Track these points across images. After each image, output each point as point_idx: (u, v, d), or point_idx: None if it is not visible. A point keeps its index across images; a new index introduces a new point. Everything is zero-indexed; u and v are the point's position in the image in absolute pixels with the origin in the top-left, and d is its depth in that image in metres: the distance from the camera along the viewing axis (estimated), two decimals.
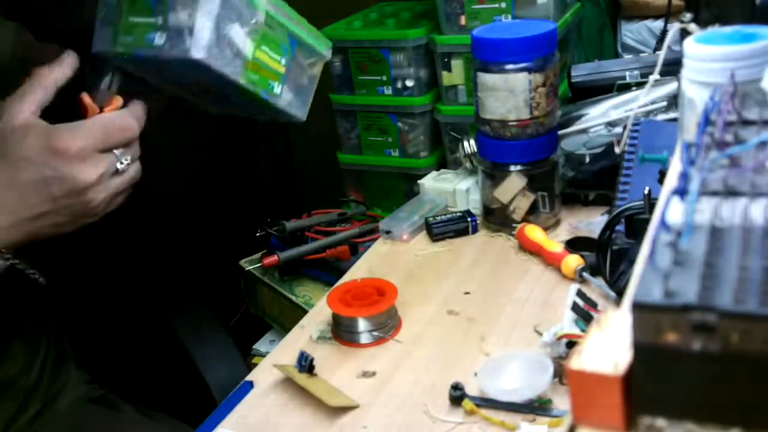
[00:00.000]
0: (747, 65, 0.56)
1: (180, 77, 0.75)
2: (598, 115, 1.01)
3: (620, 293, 0.79)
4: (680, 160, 0.38)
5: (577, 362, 0.32)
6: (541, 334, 0.75)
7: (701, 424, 0.30)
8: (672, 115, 0.96)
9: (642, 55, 1.13)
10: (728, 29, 0.60)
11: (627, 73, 1.07)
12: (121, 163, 0.69)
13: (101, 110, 0.71)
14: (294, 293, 1.09)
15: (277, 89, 0.73)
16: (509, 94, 0.93)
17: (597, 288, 0.83)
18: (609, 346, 0.32)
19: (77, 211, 0.68)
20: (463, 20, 1.13)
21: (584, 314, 0.72)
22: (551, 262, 0.90)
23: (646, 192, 0.76)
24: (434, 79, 1.19)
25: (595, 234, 0.84)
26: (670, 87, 0.97)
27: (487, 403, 0.69)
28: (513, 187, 0.98)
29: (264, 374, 0.78)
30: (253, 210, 1.53)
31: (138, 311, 1.18)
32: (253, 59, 0.70)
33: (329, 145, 1.31)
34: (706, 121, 0.41)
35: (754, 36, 0.57)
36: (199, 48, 0.66)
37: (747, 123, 0.42)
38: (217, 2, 0.66)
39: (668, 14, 1.15)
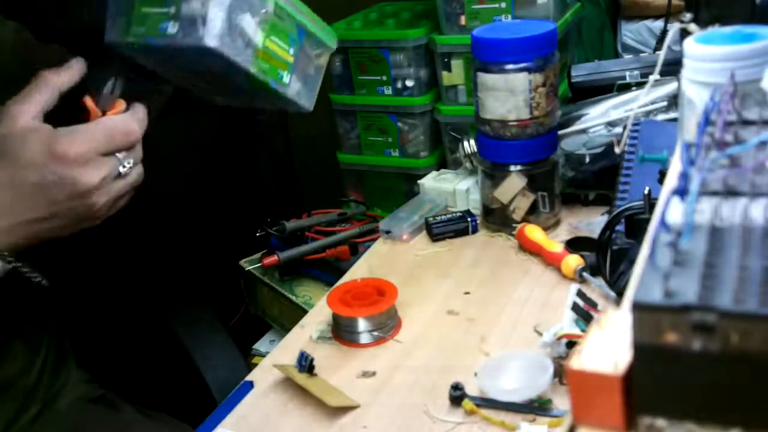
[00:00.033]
0: (747, 65, 0.56)
1: (190, 67, 0.75)
2: (598, 115, 1.01)
3: (620, 293, 0.79)
4: (680, 160, 0.38)
5: (577, 362, 0.32)
6: (541, 334, 0.75)
7: (701, 424, 0.30)
8: (672, 115, 0.96)
9: (642, 55, 1.13)
10: (728, 29, 0.60)
11: (627, 73, 1.07)
12: (124, 166, 0.69)
13: (104, 114, 0.71)
14: (294, 293, 1.09)
15: (286, 78, 0.75)
16: (509, 94, 0.93)
17: (597, 288, 0.83)
18: (609, 346, 0.32)
19: (79, 215, 0.68)
20: (463, 20, 1.13)
21: (584, 314, 0.72)
22: (551, 262, 0.90)
23: (646, 192, 0.76)
24: (434, 79, 1.19)
25: (595, 234, 0.84)
26: (670, 87, 0.97)
27: (487, 403, 0.69)
28: (513, 187, 0.98)
29: (264, 374, 0.78)
30: (253, 210, 1.53)
31: (138, 311, 1.18)
32: (263, 48, 0.71)
33: (329, 145, 1.31)
34: (706, 121, 0.41)
35: (754, 36, 0.57)
36: (212, 36, 0.67)
37: (747, 123, 0.42)
38: None
39: (668, 14, 1.15)
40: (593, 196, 1.03)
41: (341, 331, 0.83)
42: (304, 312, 0.95)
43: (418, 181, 1.15)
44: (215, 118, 1.62)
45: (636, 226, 0.79)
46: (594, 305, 0.74)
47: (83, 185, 0.66)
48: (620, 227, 0.81)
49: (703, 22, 0.74)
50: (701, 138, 0.39)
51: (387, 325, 0.82)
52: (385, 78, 1.19)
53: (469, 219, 1.02)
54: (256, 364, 0.84)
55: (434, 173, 1.15)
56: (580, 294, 0.74)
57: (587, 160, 1.00)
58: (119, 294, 1.26)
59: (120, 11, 0.74)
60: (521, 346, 0.77)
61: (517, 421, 0.66)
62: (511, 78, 0.93)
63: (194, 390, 1.00)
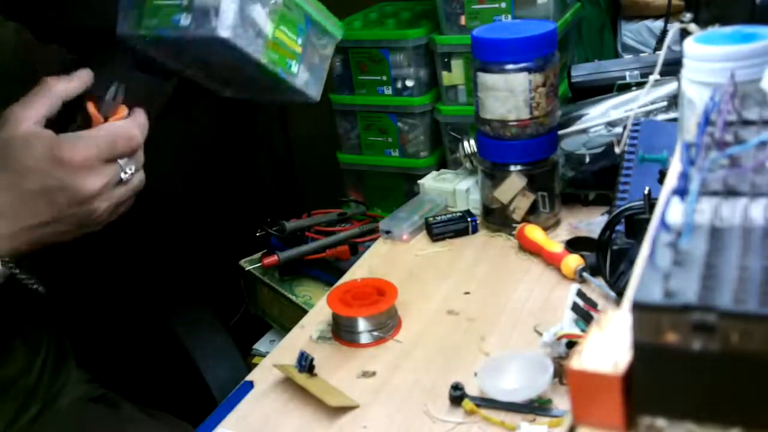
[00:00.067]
0: (747, 65, 0.56)
1: (200, 59, 0.76)
2: (598, 115, 1.01)
3: (620, 293, 0.79)
4: (680, 160, 0.38)
5: (577, 362, 0.32)
6: (541, 334, 0.75)
7: (701, 424, 0.30)
8: (672, 115, 0.96)
9: (642, 55, 1.13)
10: (728, 29, 0.60)
11: (627, 73, 1.07)
12: (125, 172, 0.69)
13: (106, 120, 0.71)
14: (294, 293, 1.09)
15: (295, 68, 0.76)
16: (509, 94, 0.93)
17: (597, 288, 0.83)
18: (609, 346, 0.32)
19: (80, 220, 0.68)
20: (463, 20, 1.13)
21: (584, 314, 0.72)
22: (551, 262, 0.90)
23: (646, 192, 0.76)
24: (434, 79, 1.19)
25: (595, 234, 0.84)
26: (670, 87, 0.97)
27: (487, 403, 0.69)
28: (513, 187, 0.98)
29: (264, 374, 0.78)
30: (253, 210, 1.53)
31: (138, 311, 1.18)
32: (273, 39, 0.72)
33: (329, 145, 1.31)
34: (706, 121, 0.41)
35: (754, 36, 0.57)
36: (225, 27, 0.68)
37: (747, 123, 0.42)
38: None
39: (668, 14, 1.15)
40: (593, 196, 1.03)
41: (341, 331, 0.83)
42: (304, 312, 0.95)
43: (418, 181, 1.15)
44: (215, 118, 1.62)
45: (636, 226, 0.79)
46: (594, 305, 0.74)
47: (85, 191, 0.66)
48: (620, 227, 0.81)
49: (703, 22, 0.74)
50: (701, 138, 0.39)
51: (387, 325, 0.82)
52: (385, 78, 1.19)
53: (469, 219, 1.02)
54: (256, 364, 0.84)
55: (434, 173, 1.15)
56: (580, 294, 0.74)
57: (587, 160, 1.00)
58: (119, 294, 1.26)
59: (131, 4, 0.75)
60: (521, 346, 0.77)
61: (517, 421, 0.66)
62: (511, 78, 0.93)
63: (194, 390, 1.00)
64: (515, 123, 0.95)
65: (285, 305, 1.10)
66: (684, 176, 0.36)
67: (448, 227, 1.02)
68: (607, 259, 0.81)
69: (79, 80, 0.71)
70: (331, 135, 1.30)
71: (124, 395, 1.01)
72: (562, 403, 0.68)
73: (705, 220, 0.34)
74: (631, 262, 0.76)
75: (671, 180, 0.41)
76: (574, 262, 0.86)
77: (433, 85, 1.20)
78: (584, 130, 1.01)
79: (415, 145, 1.23)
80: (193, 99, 1.47)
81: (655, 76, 0.81)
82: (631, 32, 1.42)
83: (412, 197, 1.13)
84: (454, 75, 1.16)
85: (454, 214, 1.04)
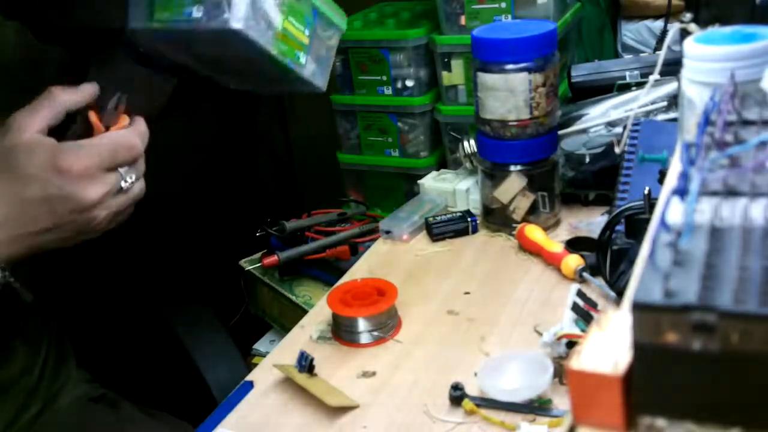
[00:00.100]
0: (747, 65, 0.56)
1: (210, 52, 0.77)
2: (598, 115, 1.01)
3: (620, 293, 0.79)
4: (680, 160, 0.38)
5: (577, 362, 0.32)
6: (541, 334, 0.75)
7: (701, 424, 0.30)
8: (672, 115, 0.96)
9: (642, 55, 1.13)
10: (728, 29, 0.60)
11: (627, 73, 1.07)
12: (126, 181, 0.70)
13: (107, 129, 0.71)
14: (294, 293, 1.09)
15: (303, 59, 0.77)
16: (509, 94, 0.93)
17: (597, 288, 0.83)
18: (609, 346, 0.32)
19: (79, 228, 0.68)
20: (463, 20, 1.13)
21: (584, 314, 0.72)
22: (551, 262, 0.90)
23: (646, 192, 0.76)
24: (434, 79, 1.19)
25: (595, 234, 0.84)
26: (670, 87, 0.97)
27: (487, 403, 0.69)
28: (513, 187, 0.98)
29: (264, 374, 0.78)
30: (253, 210, 1.53)
31: (138, 311, 1.18)
32: (282, 30, 0.73)
33: (329, 145, 1.31)
34: (706, 121, 0.41)
35: (754, 36, 0.57)
36: (237, 19, 0.69)
37: (747, 123, 0.42)
38: None
39: (668, 14, 1.15)
40: (593, 196, 1.03)
41: (341, 331, 0.83)
42: (304, 312, 0.95)
43: (418, 181, 1.15)
44: (215, 118, 1.62)
45: (636, 226, 0.79)
46: (594, 305, 0.74)
47: (85, 200, 0.66)
48: (620, 227, 0.81)
49: (703, 22, 0.74)
50: (701, 138, 0.39)
51: (387, 325, 0.82)
52: (385, 78, 1.19)
53: (469, 219, 1.02)
54: (256, 364, 0.84)
55: (434, 173, 1.15)
56: (580, 294, 0.74)
57: (587, 160, 1.00)
58: (119, 294, 1.26)
59: None
60: (521, 346, 0.77)
61: (517, 421, 0.66)
62: (511, 78, 0.93)
63: (194, 390, 1.00)
64: (515, 123, 0.95)
65: (285, 305, 1.10)
66: (684, 176, 0.36)
67: (448, 227, 1.02)
68: (607, 259, 0.81)
69: (84, 93, 0.72)
70: (331, 135, 1.30)
71: (124, 395, 1.01)
72: (562, 403, 0.68)
73: (705, 220, 0.34)
74: (631, 262, 0.76)
75: (671, 180, 0.41)
76: (574, 262, 0.86)
77: (433, 85, 1.20)
78: (584, 130, 1.01)
79: (415, 145, 1.23)
80: (194, 99, 1.47)
81: (655, 76, 0.81)
82: (631, 32, 1.42)
83: (412, 197, 1.13)
84: (454, 75, 1.16)
85: (454, 214, 1.04)
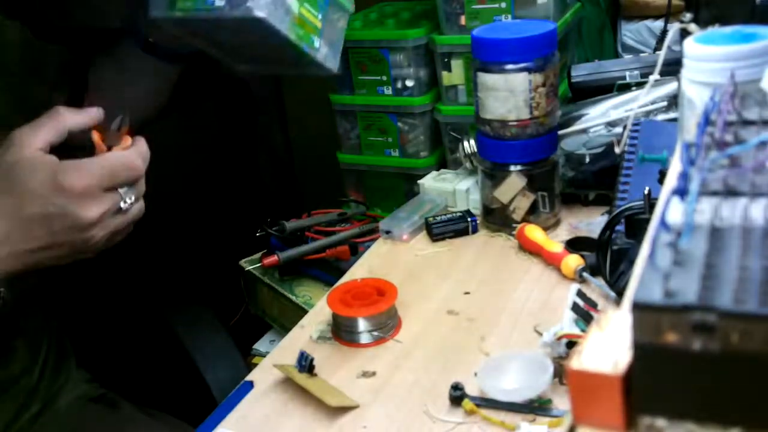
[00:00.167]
0: (747, 65, 0.56)
1: (228, 37, 0.80)
2: (598, 115, 1.01)
3: (620, 293, 0.79)
4: (680, 160, 0.38)
5: (577, 362, 0.32)
6: (541, 334, 0.75)
7: (701, 424, 0.30)
8: (672, 115, 0.96)
9: (642, 55, 1.13)
10: (728, 29, 0.60)
11: (627, 73, 1.07)
12: (125, 202, 0.70)
13: (109, 149, 0.71)
14: (294, 293, 1.09)
15: (317, 43, 0.79)
16: (509, 94, 0.93)
17: (597, 288, 0.83)
18: (609, 346, 0.32)
19: (76, 247, 0.69)
20: (463, 20, 1.13)
21: (584, 314, 0.72)
22: (551, 262, 0.90)
23: (646, 192, 0.76)
24: (434, 79, 1.19)
25: (595, 234, 0.84)
26: (670, 87, 0.97)
27: (487, 403, 0.69)
28: (513, 187, 0.98)
29: (264, 374, 0.78)
30: (253, 210, 1.53)
31: (138, 311, 1.18)
32: (299, 15, 0.76)
33: (329, 145, 1.31)
34: (706, 121, 0.41)
35: (754, 36, 0.57)
36: (260, 6, 0.71)
37: (747, 123, 0.42)
38: None
39: (668, 14, 1.15)
40: (593, 196, 1.03)
41: (341, 331, 0.83)
42: (304, 312, 0.95)
43: (418, 181, 1.14)
44: (215, 118, 1.62)
45: (636, 226, 0.79)
46: (594, 305, 0.74)
47: (84, 219, 0.67)
48: (620, 227, 0.81)
49: (703, 22, 0.74)
50: (701, 138, 0.39)
51: (387, 325, 0.82)
52: (385, 78, 1.19)
53: (469, 219, 1.02)
54: (256, 364, 0.84)
55: (434, 173, 1.15)
56: (580, 294, 0.74)
57: (587, 160, 1.00)
58: (119, 294, 1.26)
59: None
60: (521, 346, 0.77)
61: (517, 421, 0.66)
62: (511, 78, 0.93)
63: (194, 390, 1.00)
64: (515, 123, 0.95)
65: (285, 305, 1.10)
66: (684, 176, 0.36)
67: (448, 227, 1.02)
68: (607, 259, 0.81)
69: (89, 116, 0.72)
70: (331, 135, 1.30)
71: (124, 395, 1.01)
72: (562, 403, 0.68)
73: (705, 220, 0.34)
74: (631, 262, 0.76)
75: (671, 180, 0.41)
76: (574, 262, 0.86)
77: (433, 85, 1.20)
78: (584, 130, 1.01)
79: (415, 145, 1.23)
80: (194, 100, 1.47)
81: (655, 76, 0.81)
82: (631, 32, 1.42)
83: (412, 197, 1.13)
84: (454, 75, 1.16)
85: (454, 214, 1.04)
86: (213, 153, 1.61)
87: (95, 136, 0.71)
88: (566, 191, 1.02)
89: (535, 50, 0.92)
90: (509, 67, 0.92)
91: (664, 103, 0.97)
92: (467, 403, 0.68)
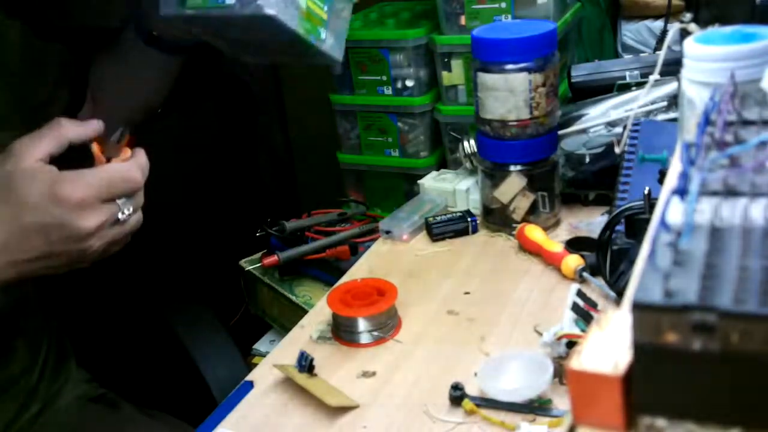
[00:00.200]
0: (747, 65, 0.56)
1: (236, 32, 0.81)
2: (598, 115, 1.01)
3: (620, 293, 0.79)
4: (680, 160, 0.38)
5: (577, 362, 0.32)
6: (541, 334, 0.75)
7: (701, 424, 0.30)
8: (672, 115, 0.96)
9: (642, 55, 1.13)
10: (728, 29, 0.60)
11: (627, 73, 1.07)
12: (123, 213, 0.70)
13: (108, 161, 0.72)
14: (294, 293, 1.09)
15: (323, 35, 0.81)
16: (509, 94, 0.93)
17: (597, 288, 0.83)
18: (609, 346, 0.32)
19: (72, 257, 0.69)
20: (463, 20, 1.13)
21: (584, 314, 0.72)
22: (551, 262, 0.90)
23: (646, 192, 0.76)
24: (434, 79, 1.19)
25: (595, 234, 0.84)
26: (670, 87, 0.97)
27: (487, 403, 0.69)
28: (513, 187, 0.98)
29: (264, 374, 0.78)
30: (253, 210, 1.53)
31: (138, 311, 1.18)
32: (306, 9, 0.77)
33: (329, 145, 1.31)
34: (706, 121, 0.41)
35: (754, 36, 0.57)
36: (270, 4, 0.73)
37: (747, 123, 0.42)
38: None
39: (668, 14, 1.15)
40: (593, 196, 1.03)
41: (341, 331, 0.83)
42: (304, 312, 0.95)
43: (418, 181, 1.14)
44: (215, 118, 1.62)
45: (636, 226, 0.79)
46: (594, 305, 0.74)
47: (81, 230, 0.66)
48: (620, 227, 0.81)
49: (703, 22, 0.74)
50: (701, 138, 0.39)
51: (387, 325, 0.82)
52: (385, 78, 1.19)
53: (469, 219, 1.02)
54: (256, 364, 0.84)
55: (434, 173, 1.15)
56: (580, 294, 0.74)
57: (587, 160, 1.00)
58: (119, 294, 1.26)
59: None
60: (521, 346, 0.77)
61: (517, 421, 0.66)
62: (511, 78, 0.93)
63: (194, 390, 1.00)
64: (515, 123, 0.95)
65: (285, 305, 1.10)
66: (684, 176, 0.36)
67: (448, 227, 1.02)
68: (607, 259, 0.81)
69: (90, 128, 0.72)
70: (331, 135, 1.30)
71: (124, 395, 1.01)
72: (562, 403, 0.68)
73: (705, 220, 0.34)
74: (631, 262, 0.76)
75: (671, 180, 0.41)
76: (574, 262, 0.86)
77: (433, 85, 1.20)
78: (584, 130, 1.01)
79: (415, 145, 1.23)
80: (194, 100, 1.47)
81: (655, 76, 0.81)
82: (631, 32, 1.42)
83: (412, 197, 1.13)
84: (454, 75, 1.16)
85: (454, 214, 1.04)
86: (213, 153, 1.61)
87: (95, 148, 0.72)
88: (566, 191, 1.02)
89: (535, 50, 0.92)
90: (509, 67, 0.92)
91: (664, 103, 0.97)
92: (467, 403, 0.68)
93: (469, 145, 1.07)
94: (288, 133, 1.84)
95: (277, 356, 0.82)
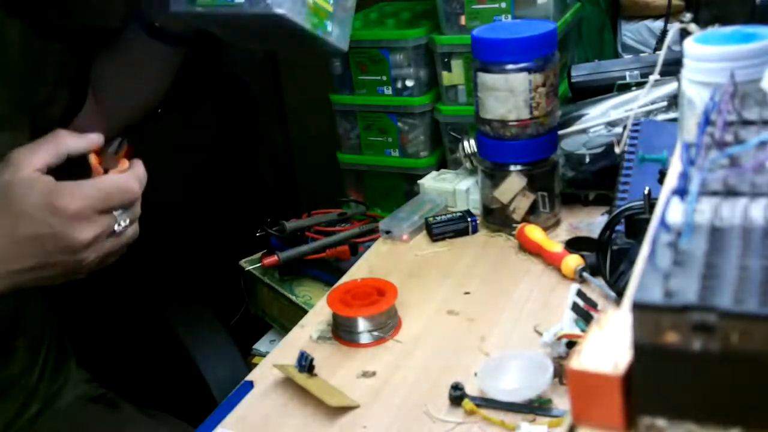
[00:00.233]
0: (747, 65, 0.56)
1: (244, 27, 0.83)
2: (598, 115, 1.01)
3: (620, 293, 0.79)
4: (680, 160, 0.38)
5: (577, 362, 0.32)
6: (541, 334, 0.75)
7: (701, 424, 0.30)
8: (672, 115, 0.96)
9: (642, 55, 1.13)
10: (728, 29, 0.60)
11: (627, 73, 1.07)
12: (119, 224, 0.70)
13: (106, 172, 0.72)
14: (294, 293, 1.09)
15: (329, 27, 0.83)
16: (509, 94, 0.93)
17: (597, 288, 0.83)
18: (609, 346, 0.32)
19: (67, 268, 0.69)
20: (463, 20, 1.13)
21: (584, 314, 0.72)
22: (551, 262, 0.90)
23: (646, 192, 0.76)
24: (434, 79, 1.19)
25: (595, 234, 0.84)
26: (670, 87, 0.97)
27: (487, 403, 0.69)
28: (513, 187, 0.98)
29: (264, 374, 0.78)
30: (253, 210, 1.53)
31: (138, 311, 1.18)
32: (313, 3, 0.79)
33: (329, 145, 1.31)
34: (706, 121, 0.41)
35: (754, 36, 0.57)
36: (279, 3, 0.75)
37: (747, 123, 0.42)
38: None
39: (668, 14, 1.15)
40: (593, 196, 1.03)
41: (341, 331, 0.83)
42: (304, 312, 0.95)
43: (418, 181, 1.14)
44: (215, 118, 1.62)
45: (636, 226, 0.79)
46: (594, 305, 0.74)
47: (77, 241, 0.67)
48: (620, 227, 0.81)
49: (703, 22, 0.74)
50: (701, 138, 0.39)
51: (387, 325, 0.82)
52: (385, 78, 1.19)
53: (469, 219, 1.02)
54: (256, 364, 0.84)
55: (434, 173, 1.15)
56: (580, 294, 0.74)
57: (587, 160, 1.00)
58: (119, 294, 1.26)
59: None
60: (521, 346, 0.77)
61: (517, 421, 0.66)
62: (511, 78, 0.93)
63: (194, 390, 1.00)
64: (515, 123, 0.95)
65: (285, 305, 1.10)
66: (684, 176, 0.36)
67: (448, 227, 1.02)
68: (607, 259, 0.81)
69: (89, 141, 0.72)
70: (331, 135, 1.30)
71: (124, 395, 1.01)
72: (562, 403, 0.68)
73: (705, 220, 0.34)
74: (631, 262, 0.76)
75: (671, 180, 0.41)
76: (574, 262, 0.86)
77: (433, 85, 1.20)
78: (584, 130, 1.01)
79: (415, 145, 1.23)
80: (194, 100, 1.47)
81: (655, 76, 0.81)
82: (631, 32, 1.42)
83: (412, 197, 1.13)
84: (454, 75, 1.16)
85: (454, 214, 1.04)
86: (213, 153, 1.61)
87: (93, 159, 0.72)
88: (566, 191, 1.02)
89: (535, 50, 0.92)
90: (509, 67, 0.92)
91: (664, 103, 0.97)
92: (467, 403, 0.68)
93: (469, 145, 1.07)
94: (288, 133, 1.84)
95: (277, 356, 0.82)
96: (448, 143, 1.21)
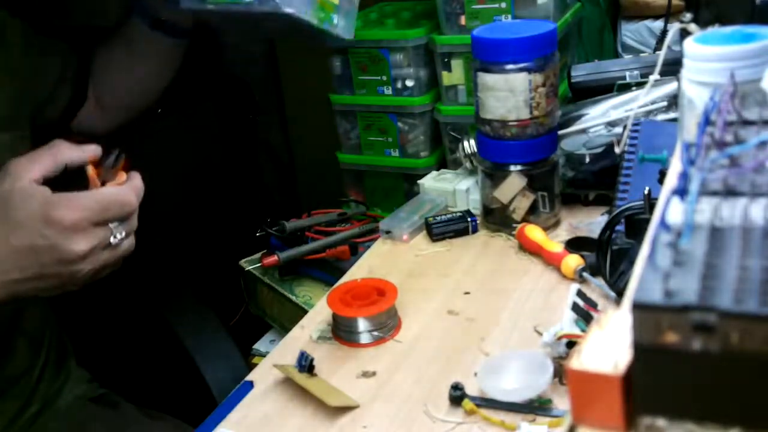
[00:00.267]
0: (747, 65, 0.56)
1: (253, 21, 0.86)
2: (598, 115, 1.01)
3: (620, 293, 0.79)
4: (680, 160, 0.38)
5: (577, 362, 0.32)
6: (541, 334, 0.75)
7: (701, 424, 0.30)
8: (672, 115, 0.96)
9: (642, 55, 1.13)
10: (728, 29, 0.60)
11: (627, 73, 1.07)
12: (115, 237, 0.70)
13: (103, 184, 0.71)
14: (294, 293, 1.09)
15: (336, 20, 0.85)
16: (509, 94, 0.93)
17: (597, 288, 0.83)
18: (609, 346, 0.32)
19: (62, 280, 0.69)
20: (463, 20, 1.13)
21: (584, 314, 0.72)
22: (551, 262, 0.90)
23: (646, 192, 0.76)
24: (434, 79, 1.19)
25: (595, 234, 0.84)
26: (670, 87, 0.97)
27: (487, 403, 0.69)
28: (513, 187, 0.98)
29: (264, 374, 0.78)
30: (253, 210, 1.53)
31: (138, 310, 1.18)
32: None
33: (329, 145, 1.31)
34: (706, 121, 0.41)
35: (754, 36, 0.57)
36: (288, 2, 0.78)
37: (747, 123, 0.42)
38: None
39: (668, 14, 1.15)
40: (593, 196, 1.03)
41: (341, 331, 0.83)
42: (304, 312, 0.95)
43: (418, 181, 1.14)
44: (215, 118, 1.62)
45: (636, 226, 0.79)
46: (594, 305, 0.74)
47: (72, 252, 0.66)
48: (620, 227, 0.81)
49: (703, 22, 0.74)
50: (701, 138, 0.39)
51: (387, 325, 0.82)
52: (385, 78, 1.19)
53: (469, 219, 1.02)
54: (256, 364, 0.84)
55: (434, 173, 1.15)
56: (580, 294, 0.74)
57: (587, 160, 1.00)
58: (120, 294, 1.26)
59: None
60: (521, 346, 0.77)
61: (517, 421, 0.66)
62: (511, 78, 0.93)
63: (194, 390, 1.00)
64: (515, 123, 0.95)
65: (285, 305, 1.10)
66: (684, 176, 0.36)
67: (448, 227, 1.02)
68: (607, 259, 0.81)
69: (87, 153, 0.72)
70: (331, 135, 1.30)
71: (124, 395, 1.01)
72: (562, 403, 0.68)
73: (705, 220, 0.34)
74: (631, 262, 0.76)
75: (671, 180, 0.41)
76: (574, 262, 0.86)
77: (433, 85, 1.20)
78: (584, 130, 1.01)
79: (415, 145, 1.23)
80: (194, 100, 1.47)
81: (655, 76, 0.81)
82: (631, 32, 1.42)
83: (412, 197, 1.13)
84: (454, 75, 1.16)
85: (454, 214, 1.04)
86: (213, 153, 1.61)
87: (90, 171, 0.72)
88: (566, 191, 1.02)
89: (535, 50, 0.92)
90: (509, 67, 0.92)
91: (664, 103, 0.97)
92: (467, 403, 0.68)
93: (469, 145, 1.07)
94: (288, 133, 1.84)
95: (277, 356, 0.82)
96: (448, 143, 1.21)
